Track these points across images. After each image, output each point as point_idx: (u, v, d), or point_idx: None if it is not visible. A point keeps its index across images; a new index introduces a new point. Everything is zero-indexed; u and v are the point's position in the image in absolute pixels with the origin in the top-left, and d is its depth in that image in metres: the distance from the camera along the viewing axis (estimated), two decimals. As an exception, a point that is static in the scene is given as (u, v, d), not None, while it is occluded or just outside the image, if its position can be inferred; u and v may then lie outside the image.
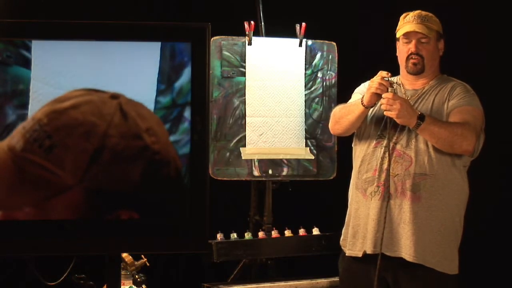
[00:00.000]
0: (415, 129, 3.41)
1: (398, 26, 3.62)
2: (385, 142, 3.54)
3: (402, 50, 3.59)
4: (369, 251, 3.53)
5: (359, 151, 3.65)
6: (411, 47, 3.55)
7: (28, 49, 3.18)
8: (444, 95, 3.55)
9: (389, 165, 3.49)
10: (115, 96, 3.09)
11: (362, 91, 3.66)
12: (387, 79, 3.49)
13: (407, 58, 3.57)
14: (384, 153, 3.53)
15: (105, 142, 3.01)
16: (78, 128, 3.02)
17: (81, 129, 3.01)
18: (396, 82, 3.63)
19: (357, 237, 3.59)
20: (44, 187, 3.02)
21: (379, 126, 3.59)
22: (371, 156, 3.58)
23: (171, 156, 3.11)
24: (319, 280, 4.06)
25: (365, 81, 3.72)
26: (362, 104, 3.52)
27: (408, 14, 3.60)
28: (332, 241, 4.17)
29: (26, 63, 3.18)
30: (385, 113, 3.44)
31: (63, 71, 3.19)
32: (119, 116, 3.06)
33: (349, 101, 3.72)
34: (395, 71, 3.69)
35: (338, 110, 3.70)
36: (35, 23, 3.28)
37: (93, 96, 3.08)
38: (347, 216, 3.70)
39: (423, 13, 3.58)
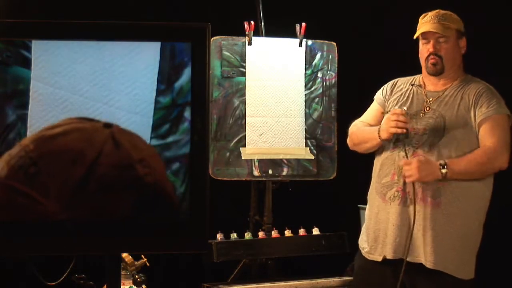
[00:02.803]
0: (444, 179, 3.37)
1: (417, 27, 3.60)
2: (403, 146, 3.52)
3: (422, 50, 3.57)
4: (389, 256, 3.51)
5: (379, 155, 3.63)
6: (430, 47, 3.53)
7: (28, 49, 3.18)
8: (470, 101, 3.49)
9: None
10: (108, 125, 3.05)
11: (380, 100, 3.69)
12: (403, 113, 3.48)
13: (427, 59, 3.55)
14: (403, 157, 3.49)
15: (93, 170, 2.94)
16: (65, 154, 2.95)
17: (67, 156, 2.94)
18: (418, 84, 3.61)
19: (378, 241, 3.58)
20: (27, 215, 2.99)
21: None
22: (390, 160, 3.55)
23: (166, 191, 3.06)
24: (319, 280, 4.06)
25: (366, 81, 3.72)
26: (379, 137, 3.54)
27: (426, 15, 3.58)
28: (332, 241, 4.18)
29: (26, 63, 3.18)
30: (407, 180, 3.40)
31: (63, 71, 3.19)
32: (111, 144, 3.01)
33: (368, 110, 3.73)
34: (395, 71, 3.70)
35: (355, 131, 3.70)
36: (35, 23, 3.28)
37: (86, 124, 3.04)
38: (366, 218, 3.67)
39: (442, 12, 3.55)
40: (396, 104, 3.62)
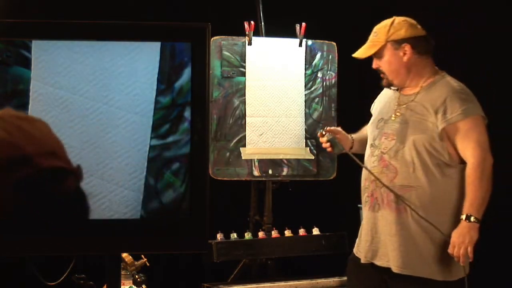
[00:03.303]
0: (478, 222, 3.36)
1: None
2: (375, 152, 3.54)
3: None
4: (362, 260, 3.58)
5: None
6: (373, 64, 3.60)
7: (28, 49, 3.18)
8: (433, 106, 3.44)
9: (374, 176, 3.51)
10: None
11: (376, 102, 3.76)
12: (321, 135, 3.75)
13: None
14: (373, 162, 3.53)
15: None
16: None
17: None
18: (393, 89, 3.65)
19: (359, 241, 3.65)
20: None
21: (372, 135, 3.61)
22: (367, 165, 3.59)
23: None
24: (319, 280, 4.07)
25: (366, 81, 3.72)
26: None
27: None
28: (332, 241, 4.18)
29: (26, 63, 3.17)
30: (461, 263, 3.38)
31: (63, 71, 3.19)
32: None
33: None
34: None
35: None
36: (35, 23, 3.28)
37: None
38: None
39: (378, 25, 3.56)
40: (375, 109, 3.71)
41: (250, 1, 4.29)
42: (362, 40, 4.21)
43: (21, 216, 3.06)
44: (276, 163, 4.13)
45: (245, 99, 4.10)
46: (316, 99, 4.21)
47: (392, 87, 3.60)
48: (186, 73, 3.28)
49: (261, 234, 4.13)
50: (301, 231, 4.16)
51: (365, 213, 3.57)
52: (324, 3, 4.73)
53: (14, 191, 3.01)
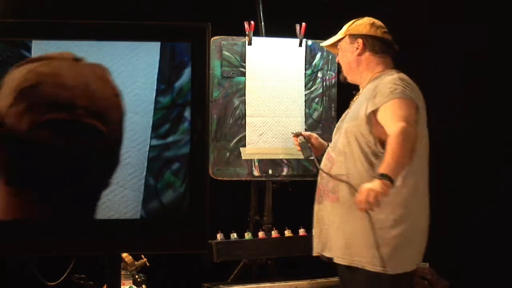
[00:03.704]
0: (396, 181, 3.29)
1: None
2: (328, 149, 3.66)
3: None
4: (314, 253, 3.62)
5: None
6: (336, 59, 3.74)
7: (28, 49, 3.18)
8: (370, 93, 3.47)
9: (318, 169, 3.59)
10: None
11: None
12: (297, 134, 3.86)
13: None
14: (323, 158, 3.64)
15: None
16: None
17: None
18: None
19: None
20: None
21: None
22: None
23: None
24: (319, 280, 4.07)
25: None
26: None
27: None
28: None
29: (26, 63, 3.19)
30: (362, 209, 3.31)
31: (63, 71, 3.19)
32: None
33: None
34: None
35: None
36: (35, 23, 3.28)
37: None
38: None
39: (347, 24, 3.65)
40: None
41: (250, 1, 4.29)
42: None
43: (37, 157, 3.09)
44: (276, 163, 4.13)
45: (245, 99, 4.10)
46: (316, 99, 4.21)
47: (346, 83, 3.69)
48: (186, 73, 3.28)
49: (261, 234, 4.13)
50: (301, 231, 4.16)
51: (314, 207, 3.62)
52: (324, 3, 4.72)
53: (42, 128, 3.07)
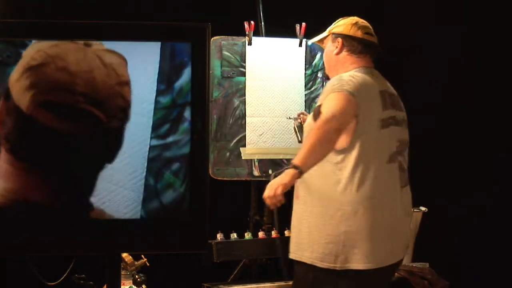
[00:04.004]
0: (305, 169, 3.27)
1: None
2: None
3: None
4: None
5: None
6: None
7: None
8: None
9: None
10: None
11: None
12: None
13: None
14: None
15: None
16: None
17: None
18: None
19: None
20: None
21: None
22: None
23: None
24: (319, 280, 4.06)
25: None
26: None
27: None
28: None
29: (26, 63, 3.19)
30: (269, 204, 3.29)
31: (63, 71, 3.19)
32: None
33: None
34: (394, 70, 3.69)
35: None
36: (35, 23, 3.29)
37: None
38: None
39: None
40: None
41: (250, 1, 4.29)
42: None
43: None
44: (276, 163, 4.13)
45: (245, 99, 4.10)
46: (316, 99, 4.21)
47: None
48: (186, 73, 3.28)
49: (261, 234, 4.12)
50: (301, 231, 4.15)
51: None
52: (324, 3, 4.73)
53: (41, 108, 3.14)
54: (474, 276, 4.72)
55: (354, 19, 3.59)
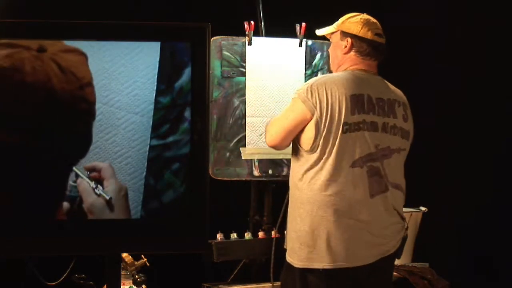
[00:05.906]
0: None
1: None
2: None
3: None
4: None
5: None
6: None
7: (28, 49, 3.19)
8: None
9: None
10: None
11: None
12: None
13: None
14: None
15: None
16: None
17: None
18: None
19: None
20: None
21: None
22: None
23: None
24: (319, 280, 4.06)
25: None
26: None
27: None
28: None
29: (26, 63, 3.19)
30: None
31: (63, 71, 3.19)
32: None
33: None
34: (394, 70, 3.70)
35: None
36: (35, 23, 3.29)
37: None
38: None
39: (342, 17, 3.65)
40: None
41: (250, 1, 4.29)
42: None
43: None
44: (276, 163, 4.13)
45: (245, 99, 4.10)
46: (316, 99, 4.21)
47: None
48: (186, 73, 3.29)
49: (261, 234, 4.12)
50: (301, 231, 4.15)
51: None
52: (324, 3, 4.73)
53: (15, 99, 3.14)
54: (474, 276, 4.73)
55: (364, 17, 3.57)
